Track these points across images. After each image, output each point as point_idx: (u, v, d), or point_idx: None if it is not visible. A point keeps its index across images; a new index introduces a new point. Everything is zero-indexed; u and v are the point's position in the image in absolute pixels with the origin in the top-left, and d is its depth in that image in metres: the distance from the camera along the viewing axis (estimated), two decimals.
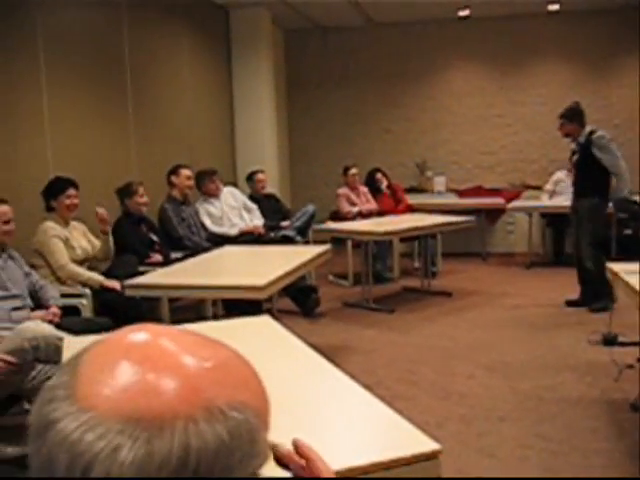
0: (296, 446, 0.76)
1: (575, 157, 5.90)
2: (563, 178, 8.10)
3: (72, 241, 4.42)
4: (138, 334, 0.56)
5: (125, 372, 0.51)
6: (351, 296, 6.51)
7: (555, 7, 8.66)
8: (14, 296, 3.59)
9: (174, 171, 5.94)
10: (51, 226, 4.34)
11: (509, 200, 8.46)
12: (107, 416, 0.49)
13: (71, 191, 4.46)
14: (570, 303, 5.89)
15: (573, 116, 5.73)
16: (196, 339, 0.58)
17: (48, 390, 0.53)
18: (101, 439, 0.48)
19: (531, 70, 9.35)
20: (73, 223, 4.57)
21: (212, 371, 0.54)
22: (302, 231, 6.79)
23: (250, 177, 7.19)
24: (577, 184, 5.91)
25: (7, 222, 3.65)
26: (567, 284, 6.09)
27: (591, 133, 5.65)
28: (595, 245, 5.66)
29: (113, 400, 0.50)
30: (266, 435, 0.56)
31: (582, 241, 5.71)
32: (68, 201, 4.44)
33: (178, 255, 5.21)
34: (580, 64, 9.18)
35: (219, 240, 5.77)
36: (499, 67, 9.44)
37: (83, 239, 4.59)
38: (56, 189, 4.45)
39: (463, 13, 8.90)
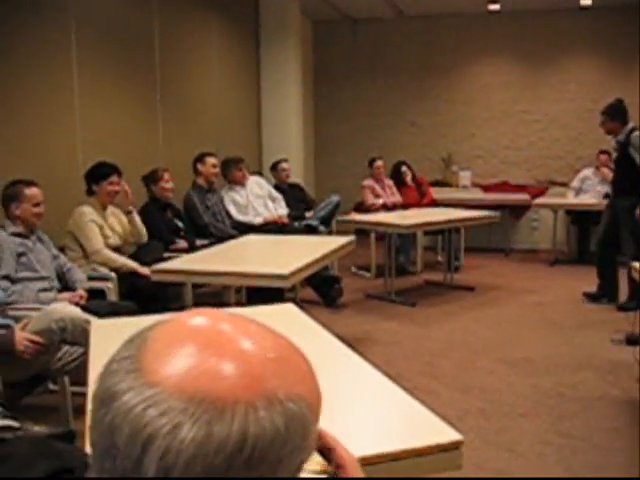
0: (320, 436, 0.77)
1: (615, 154, 5.85)
2: (590, 176, 8.02)
3: (106, 229, 4.44)
4: (206, 318, 0.58)
5: (191, 354, 0.53)
6: (373, 288, 6.51)
7: (587, 2, 8.56)
8: (42, 277, 3.64)
9: (200, 159, 5.97)
10: (88, 211, 4.35)
11: (534, 196, 8.40)
12: (171, 393, 0.50)
13: (114, 178, 4.47)
14: (588, 295, 5.93)
15: (614, 113, 5.63)
16: (259, 329, 0.60)
17: (113, 362, 0.55)
18: (164, 415, 0.50)
19: (561, 66, 9.26)
20: (110, 208, 4.59)
21: (275, 362, 0.56)
22: (326, 221, 6.80)
23: (274, 166, 7.21)
24: (616, 182, 5.85)
25: (37, 204, 3.69)
26: (591, 282, 6.04)
27: (632, 131, 5.55)
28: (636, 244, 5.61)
29: (178, 379, 0.51)
30: (316, 430, 0.58)
31: (624, 238, 5.62)
32: (110, 187, 4.46)
33: (204, 242, 5.25)
34: (611, 61, 9.06)
35: (243, 229, 5.79)
36: (528, 62, 9.36)
37: (118, 225, 4.62)
38: (99, 174, 4.45)
39: (493, 7, 8.83)
